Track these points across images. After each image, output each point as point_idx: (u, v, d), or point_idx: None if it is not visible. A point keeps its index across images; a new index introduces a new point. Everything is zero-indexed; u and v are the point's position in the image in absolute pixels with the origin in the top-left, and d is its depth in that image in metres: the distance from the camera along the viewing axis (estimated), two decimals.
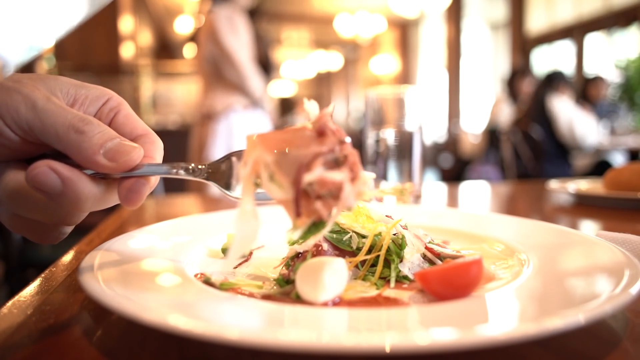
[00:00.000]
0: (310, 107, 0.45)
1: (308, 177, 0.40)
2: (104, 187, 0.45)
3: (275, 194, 0.41)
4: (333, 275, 0.45)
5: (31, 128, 0.42)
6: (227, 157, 0.51)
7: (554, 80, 4.03)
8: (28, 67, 3.36)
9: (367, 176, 0.43)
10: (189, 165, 0.50)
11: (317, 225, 0.42)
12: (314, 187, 0.40)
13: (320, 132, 0.42)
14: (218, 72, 2.86)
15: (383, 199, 1.16)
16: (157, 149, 0.49)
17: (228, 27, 2.76)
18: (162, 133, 0.66)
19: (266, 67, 3.16)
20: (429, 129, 8.96)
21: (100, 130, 0.43)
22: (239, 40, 2.80)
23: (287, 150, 0.40)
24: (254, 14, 3.22)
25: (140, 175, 0.45)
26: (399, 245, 0.53)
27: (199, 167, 0.50)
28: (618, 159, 4.38)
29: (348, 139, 0.42)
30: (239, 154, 0.50)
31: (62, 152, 0.43)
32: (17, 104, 0.41)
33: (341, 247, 0.54)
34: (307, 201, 0.40)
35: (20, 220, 0.46)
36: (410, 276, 0.51)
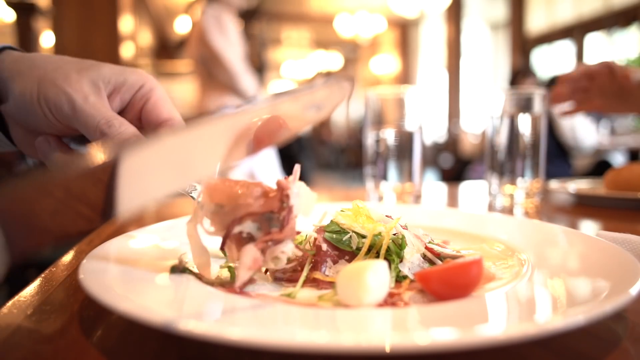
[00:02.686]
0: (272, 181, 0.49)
1: (237, 229, 0.47)
2: None
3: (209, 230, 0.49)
4: (376, 277, 0.43)
5: (69, 120, 0.52)
6: None
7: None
8: None
9: (287, 246, 0.47)
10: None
11: None
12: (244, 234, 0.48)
13: (267, 193, 0.48)
14: (210, 72, 2.86)
15: None
16: None
17: (216, 27, 2.76)
18: None
19: (260, 66, 3.16)
20: (429, 129, 8.96)
21: (119, 132, 0.51)
22: (227, 40, 2.79)
23: (224, 205, 0.48)
24: (254, 14, 3.23)
25: None
26: (399, 245, 0.53)
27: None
28: (618, 159, 4.38)
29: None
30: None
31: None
32: (61, 103, 0.51)
33: (341, 247, 0.54)
34: (237, 243, 0.47)
35: None
36: (410, 276, 0.51)
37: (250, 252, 0.45)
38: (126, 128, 0.52)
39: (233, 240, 0.47)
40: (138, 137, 0.52)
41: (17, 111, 0.53)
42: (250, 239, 0.47)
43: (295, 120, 0.48)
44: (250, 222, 0.47)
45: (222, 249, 0.48)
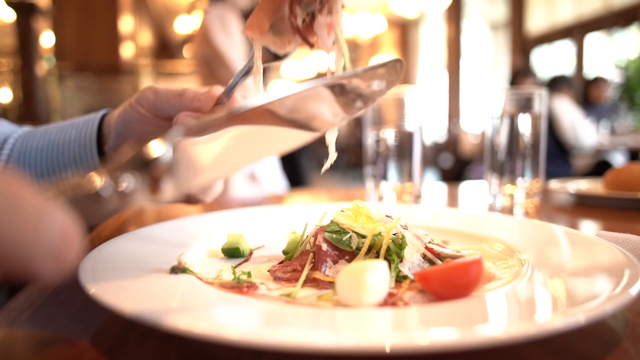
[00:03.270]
0: None
1: (298, 20, 0.55)
2: None
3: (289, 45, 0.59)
4: (376, 277, 0.43)
5: (155, 104, 0.67)
6: None
7: (557, 83, 4.10)
8: (33, 71, 3.35)
9: None
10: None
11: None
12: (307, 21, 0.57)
13: None
14: (212, 72, 2.85)
15: None
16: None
17: (219, 27, 2.75)
18: None
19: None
20: (429, 129, 8.95)
21: (193, 91, 0.66)
22: (231, 40, 2.79)
23: (271, 22, 0.56)
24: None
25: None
26: (399, 245, 0.53)
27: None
28: (618, 159, 4.38)
29: None
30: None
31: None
32: (146, 95, 0.68)
33: (341, 247, 0.54)
34: (310, 32, 0.56)
35: None
36: (410, 276, 0.51)
37: (320, 24, 0.54)
38: (198, 91, 0.66)
39: (306, 31, 0.56)
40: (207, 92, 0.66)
41: (118, 133, 0.69)
42: (312, 15, 0.56)
43: (362, 94, 0.55)
44: (298, 8, 0.55)
45: (312, 46, 0.56)
